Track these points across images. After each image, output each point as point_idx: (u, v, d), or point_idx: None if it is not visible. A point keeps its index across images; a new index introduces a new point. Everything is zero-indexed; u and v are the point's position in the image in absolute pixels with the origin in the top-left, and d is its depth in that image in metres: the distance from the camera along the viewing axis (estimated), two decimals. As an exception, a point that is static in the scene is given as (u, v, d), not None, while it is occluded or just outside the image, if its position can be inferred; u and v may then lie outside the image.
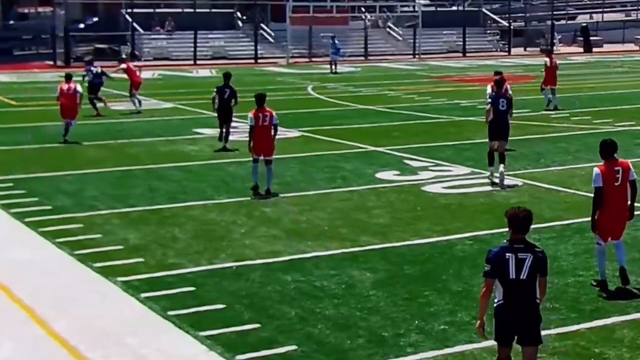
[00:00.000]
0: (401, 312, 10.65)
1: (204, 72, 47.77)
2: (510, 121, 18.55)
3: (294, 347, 9.59)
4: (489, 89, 21.21)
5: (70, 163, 20.54)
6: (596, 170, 11.46)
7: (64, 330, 10.09)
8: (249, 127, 17.09)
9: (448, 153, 21.46)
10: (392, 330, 10.04)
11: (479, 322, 8.16)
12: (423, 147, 22.29)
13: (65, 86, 24.06)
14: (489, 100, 18.91)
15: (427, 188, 17.62)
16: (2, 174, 18.97)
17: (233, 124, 22.65)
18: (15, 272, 12.34)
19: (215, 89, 22.82)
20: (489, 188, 17.61)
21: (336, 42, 48.57)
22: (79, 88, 24.28)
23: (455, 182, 18.11)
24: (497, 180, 17.86)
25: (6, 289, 11.58)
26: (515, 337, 7.99)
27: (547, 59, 30.54)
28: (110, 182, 18.43)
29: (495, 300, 7.97)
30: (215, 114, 22.70)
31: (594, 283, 11.68)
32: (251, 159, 17.21)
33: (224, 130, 22.36)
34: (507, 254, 7.82)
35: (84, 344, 9.70)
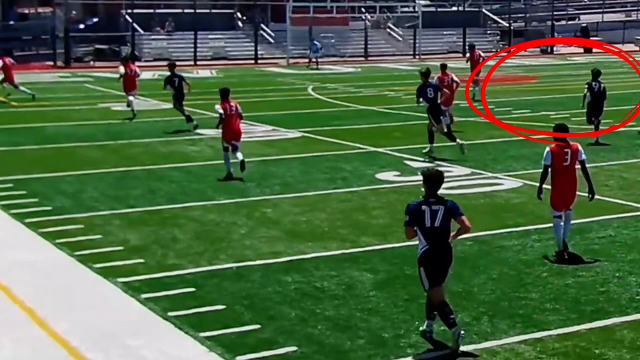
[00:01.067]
0: (401, 312, 10.65)
1: (204, 73, 47.75)
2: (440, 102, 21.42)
3: (294, 348, 9.59)
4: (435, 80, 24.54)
5: (70, 164, 20.54)
6: (547, 149, 12.56)
7: (65, 331, 10.09)
8: (218, 117, 18.64)
9: (448, 154, 21.45)
10: (392, 331, 10.04)
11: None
12: (423, 148, 22.26)
13: (123, 69, 28.36)
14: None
15: (427, 189, 17.57)
16: (2, 175, 18.97)
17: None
18: (16, 273, 12.33)
19: (164, 79, 26.39)
20: (489, 189, 17.62)
21: (315, 42, 52.65)
22: (138, 70, 29.03)
23: (455, 183, 18.08)
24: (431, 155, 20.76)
25: (6, 289, 11.58)
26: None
27: (468, 54, 34.98)
28: (110, 182, 18.43)
29: (420, 248, 9.51)
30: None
31: (555, 252, 12.69)
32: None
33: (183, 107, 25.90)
34: (423, 207, 9.50)
35: (85, 345, 9.70)
